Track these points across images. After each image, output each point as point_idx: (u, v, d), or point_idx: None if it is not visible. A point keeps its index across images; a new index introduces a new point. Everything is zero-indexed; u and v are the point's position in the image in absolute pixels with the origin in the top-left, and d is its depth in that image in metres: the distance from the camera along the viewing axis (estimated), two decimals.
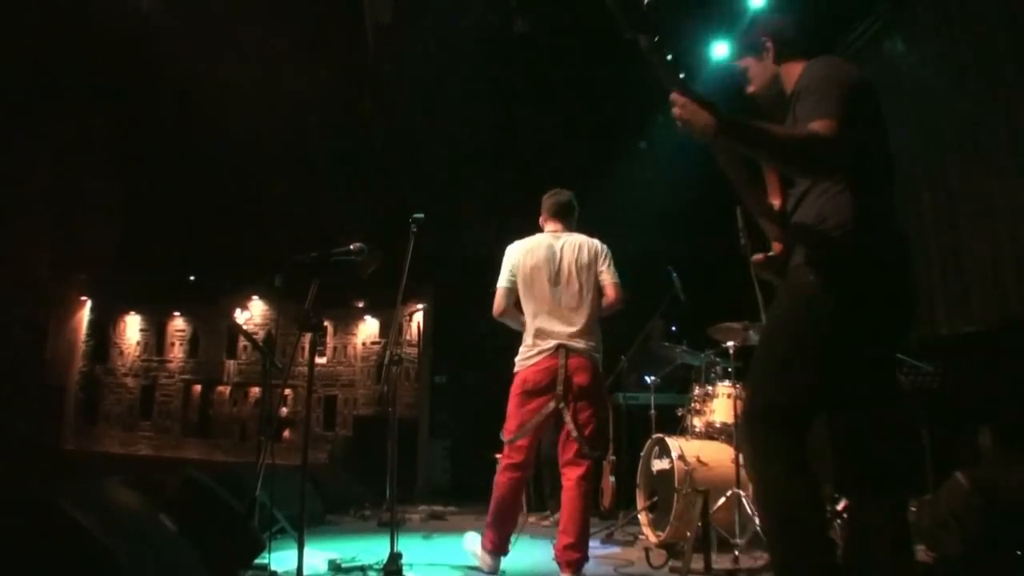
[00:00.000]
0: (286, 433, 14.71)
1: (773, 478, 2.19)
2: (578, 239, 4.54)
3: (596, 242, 4.56)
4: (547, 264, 4.44)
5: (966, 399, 5.66)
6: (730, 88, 2.77)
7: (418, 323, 13.32)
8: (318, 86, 9.29)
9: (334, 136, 10.53)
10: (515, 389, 4.38)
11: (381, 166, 10.79)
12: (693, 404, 5.82)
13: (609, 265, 4.49)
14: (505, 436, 4.36)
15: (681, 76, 2.12)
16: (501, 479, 4.41)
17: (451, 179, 10.41)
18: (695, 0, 7.84)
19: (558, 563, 4.15)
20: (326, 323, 15.40)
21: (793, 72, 2.49)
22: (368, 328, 15.38)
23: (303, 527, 3.52)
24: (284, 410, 14.88)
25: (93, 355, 17.09)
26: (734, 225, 4.67)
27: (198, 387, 16.75)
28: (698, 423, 5.70)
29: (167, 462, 14.59)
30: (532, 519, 6.80)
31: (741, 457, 4.95)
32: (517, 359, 4.45)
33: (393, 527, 4.33)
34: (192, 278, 15.82)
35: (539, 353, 4.33)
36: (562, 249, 4.49)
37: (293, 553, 3.63)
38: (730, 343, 5.53)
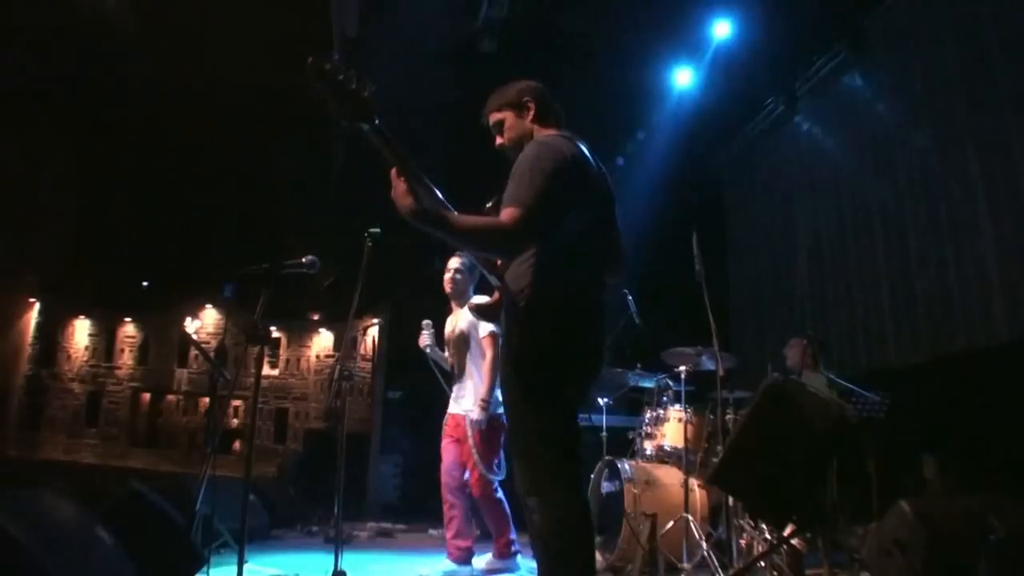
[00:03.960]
0: (236, 445, 14.49)
1: (551, 505, 2.50)
2: None
3: None
4: None
5: (912, 428, 5.75)
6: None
7: (373, 338, 13.22)
8: (280, 96, 9.21)
9: (295, 147, 10.44)
10: (501, 428, 4.81)
11: (342, 179, 10.72)
12: (644, 427, 5.83)
13: None
14: (493, 473, 4.82)
15: (402, 156, 2.39)
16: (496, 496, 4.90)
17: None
18: (659, 27, 7.96)
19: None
20: (280, 335, 15.24)
21: (540, 136, 2.76)
22: (323, 341, 15.23)
23: (243, 542, 3.44)
24: (235, 421, 14.67)
25: (39, 359, 16.70)
26: (689, 250, 4.72)
27: (147, 395, 16.44)
28: (648, 446, 5.70)
29: (112, 471, 14.27)
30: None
31: (693, 482, 4.98)
32: (496, 399, 4.78)
33: (338, 543, 4.27)
34: (145, 284, 15.54)
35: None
36: None
37: (234, 568, 3.55)
38: (682, 367, 5.56)
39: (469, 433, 4.80)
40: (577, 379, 2.66)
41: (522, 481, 2.56)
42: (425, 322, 5.08)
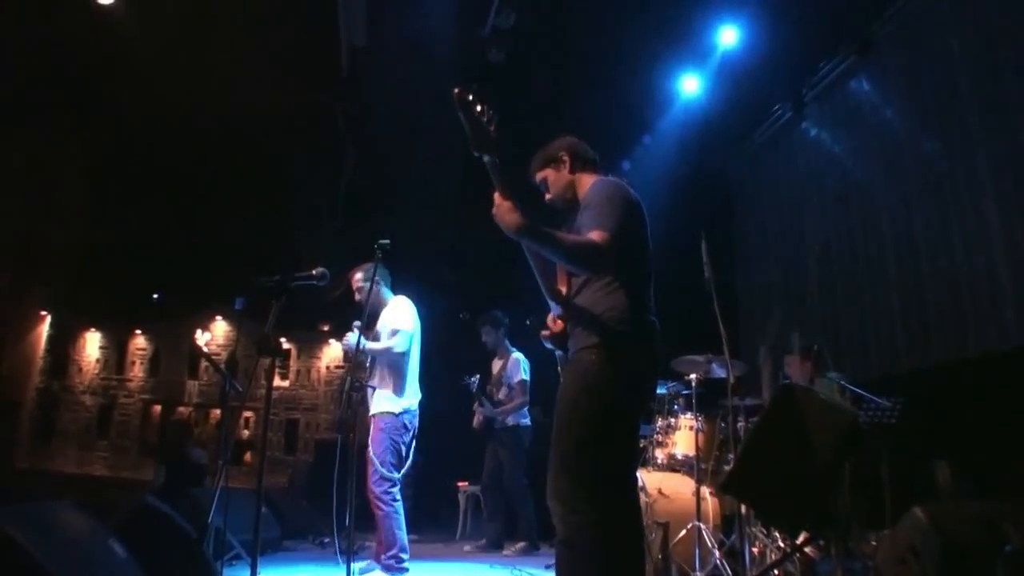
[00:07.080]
0: (247, 456, 14.50)
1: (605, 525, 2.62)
2: None
3: None
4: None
5: (925, 434, 5.71)
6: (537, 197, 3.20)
7: None
8: (289, 107, 9.25)
9: (304, 159, 10.48)
10: (408, 430, 4.87)
11: (351, 190, 10.75)
12: (655, 436, 5.81)
13: None
14: (394, 471, 4.74)
15: (507, 184, 2.64)
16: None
17: (422, 204, 10.38)
18: (666, 35, 7.97)
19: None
20: (289, 346, 15.27)
21: (584, 182, 3.05)
22: (332, 352, 15.25)
23: (256, 554, 3.44)
24: (245, 432, 14.68)
25: (51, 371, 16.77)
26: (698, 257, 4.71)
27: (158, 407, 16.48)
28: (660, 455, 5.68)
29: (123, 483, 14.29)
30: (467, 547, 6.55)
31: (705, 490, 4.96)
32: (404, 400, 4.89)
33: (350, 555, 4.27)
34: (155, 297, 15.59)
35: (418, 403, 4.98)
36: None
37: None
38: (693, 375, 5.54)
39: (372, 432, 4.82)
40: (647, 393, 3.01)
41: (579, 494, 2.66)
42: (355, 323, 4.83)
